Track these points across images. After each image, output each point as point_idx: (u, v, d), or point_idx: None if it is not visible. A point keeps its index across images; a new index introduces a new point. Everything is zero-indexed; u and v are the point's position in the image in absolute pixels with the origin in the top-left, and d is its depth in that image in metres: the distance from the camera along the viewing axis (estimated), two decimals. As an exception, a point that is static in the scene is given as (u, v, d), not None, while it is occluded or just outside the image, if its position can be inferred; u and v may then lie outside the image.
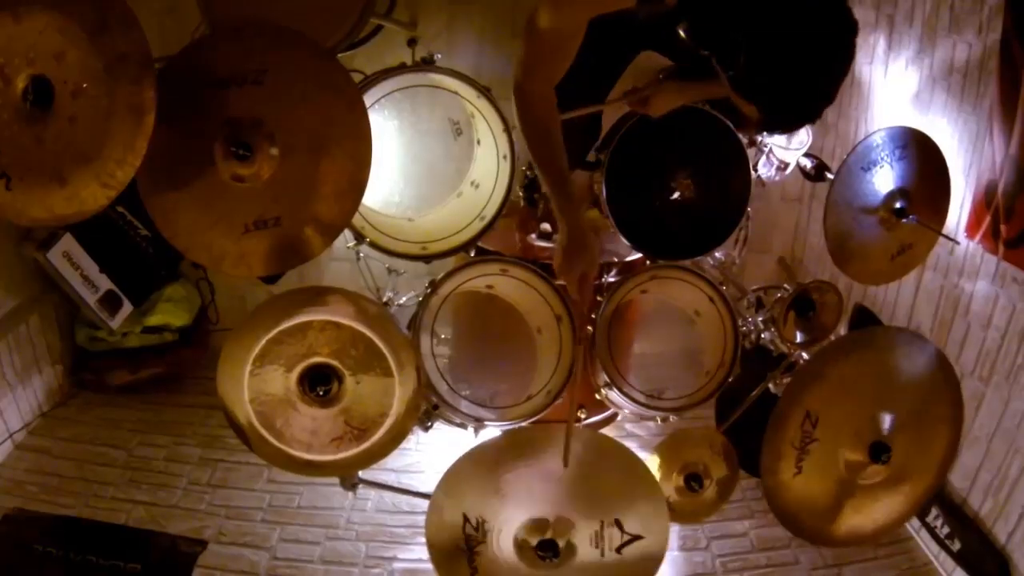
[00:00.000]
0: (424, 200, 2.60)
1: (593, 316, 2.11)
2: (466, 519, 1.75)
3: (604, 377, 2.10)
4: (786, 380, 2.17)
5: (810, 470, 1.83)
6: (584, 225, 1.86)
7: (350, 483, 2.02)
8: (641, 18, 2.04)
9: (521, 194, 2.47)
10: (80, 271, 2.70)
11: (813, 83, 1.50)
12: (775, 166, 2.35)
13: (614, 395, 2.14)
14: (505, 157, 2.16)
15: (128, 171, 1.49)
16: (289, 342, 1.70)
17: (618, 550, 1.81)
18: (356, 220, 2.07)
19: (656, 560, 1.83)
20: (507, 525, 1.77)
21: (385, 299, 2.46)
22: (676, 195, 2.06)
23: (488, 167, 2.26)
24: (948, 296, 2.44)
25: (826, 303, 2.21)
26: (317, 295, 1.76)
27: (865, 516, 1.90)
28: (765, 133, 1.73)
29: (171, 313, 3.04)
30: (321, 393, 1.71)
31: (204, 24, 2.10)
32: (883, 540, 2.46)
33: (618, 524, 1.80)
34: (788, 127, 1.75)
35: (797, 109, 1.55)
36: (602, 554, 1.80)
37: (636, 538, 1.81)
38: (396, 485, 2.51)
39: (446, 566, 1.77)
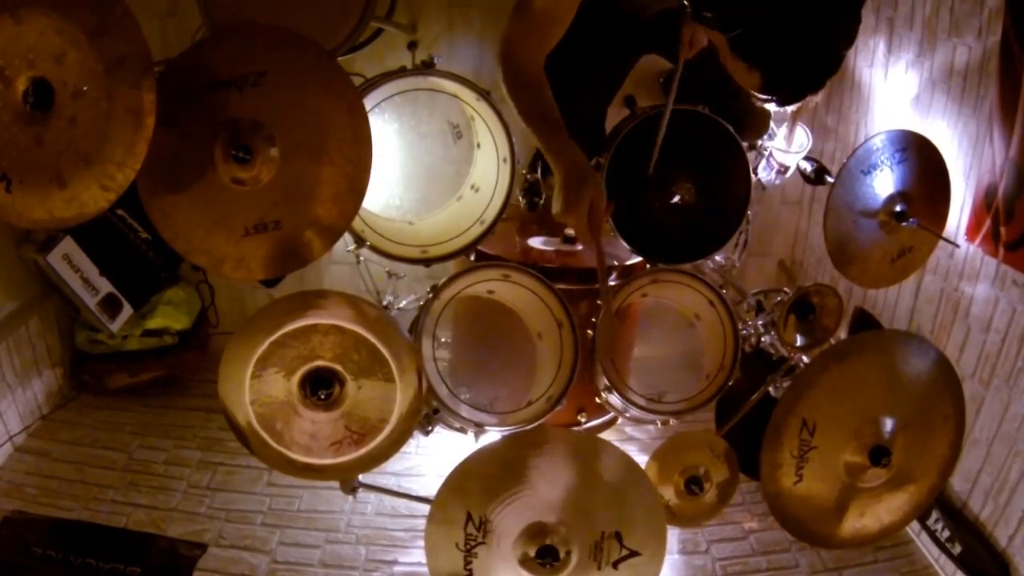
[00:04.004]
0: (424, 203, 2.61)
1: (593, 320, 2.11)
2: (469, 517, 1.75)
3: (604, 381, 2.10)
4: (786, 383, 2.17)
5: (811, 477, 1.83)
6: (584, 161, 1.82)
7: (350, 487, 2.02)
8: (638, 14, 2.04)
9: (521, 198, 2.47)
10: (80, 274, 2.70)
11: (817, 40, 1.47)
12: (775, 169, 2.36)
13: (614, 399, 2.13)
14: (505, 160, 2.16)
15: (128, 174, 1.49)
16: (292, 345, 1.70)
17: (615, 565, 1.81)
18: (356, 223, 2.07)
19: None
20: (509, 527, 1.77)
21: (385, 303, 2.46)
22: (676, 199, 2.06)
23: (488, 171, 2.26)
24: (948, 299, 2.44)
25: (826, 306, 2.21)
26: (321, 299, 1.76)
27: (869, 518, 1.90)
28: (771, 103, 1.67)
29: (171, 316, 3.04)
30: (322, 397, 1.71)
31: (204, 26, 2.10)
32: (887, 540, 2.46)
33: (618, 537, 1.80)
34: (791, 89, 1.62)
35: (800, 70, 1.50)
36: (599, 567, 1.80)
37: (633, 554, 1.81)
38: (396, 489, 2.51)
39: (441, 564, 1.77)
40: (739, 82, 1.62)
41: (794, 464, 1.82)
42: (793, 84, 1.55)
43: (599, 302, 2.05)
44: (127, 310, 2.87)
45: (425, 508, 1.80)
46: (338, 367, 1.73)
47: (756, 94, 1.61)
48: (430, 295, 2.07)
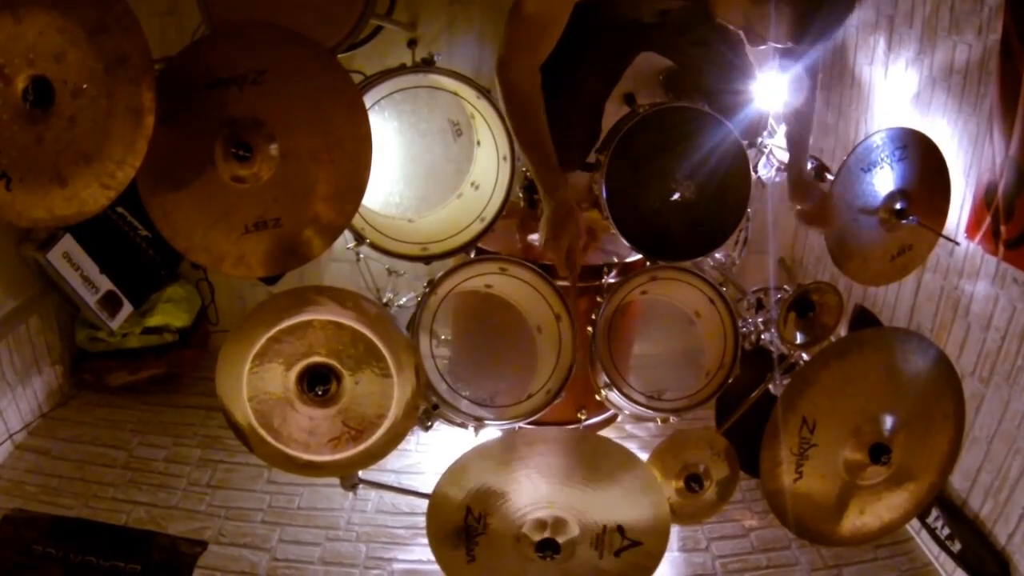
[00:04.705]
0: (424, 201, 2.60)
1: (593, 317, 2.11)
2: (469, 511, 1.75)
3: (604, 378, 2.10)
4: (786, 381, 2.17)
5: (811, 474, 1.84)
6: (570, 201, 1.90)
7: (350, 484, 2.02)
8: (637, 16, 2.05)
9: (521, 195, 2.47)
10: (80, 272, 2.71)
11: None
12: (775, 167, 2.35)
13: (614, 396, 2.13)
14: (505, 158, 2.16)
15: (128, 172, 1.49)
16: (289, 341, 1.70)
17: (617, 553, 1.81)
18: (356, 221, 2.07)
19: (654, 562, 1.84)
20: (509, 520, 1.78)
21: (385, 300, 2.46)
22: (676, 196, 2.06)
23: (488, 168, 2.26)
24: (948, 297, 2.44)
25: (826, 304, 2.21)
26: (318, 294, 1.76)
27: (869, 515, 1.91)
28: (796, 45, 1.70)
29: (171, 314, 3.04)
30: (320, 393, 1.71)
31: (204, 24, 2.10)
32: (887, 538, 2.46)
33: (619, 529, 1.80)
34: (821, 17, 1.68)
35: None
36: (600, 556, 1.80)
37: (635, 543, 1.81)
38: (396, 485, 2.51)
39: (445, 554, 1.78)
40: (771, 36, 1.65)
41: (794, 461, 1.82)
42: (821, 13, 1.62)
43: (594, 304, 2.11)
44: (127, 308, 2.88)
45: (425, 504, 1.81)
46: (335, 363, 1.73)
47: (786, 47, 1.64)
48: (427, 290, 2.07)
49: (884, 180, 2.04)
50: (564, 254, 1.90)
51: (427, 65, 2.07)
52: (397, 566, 2.36)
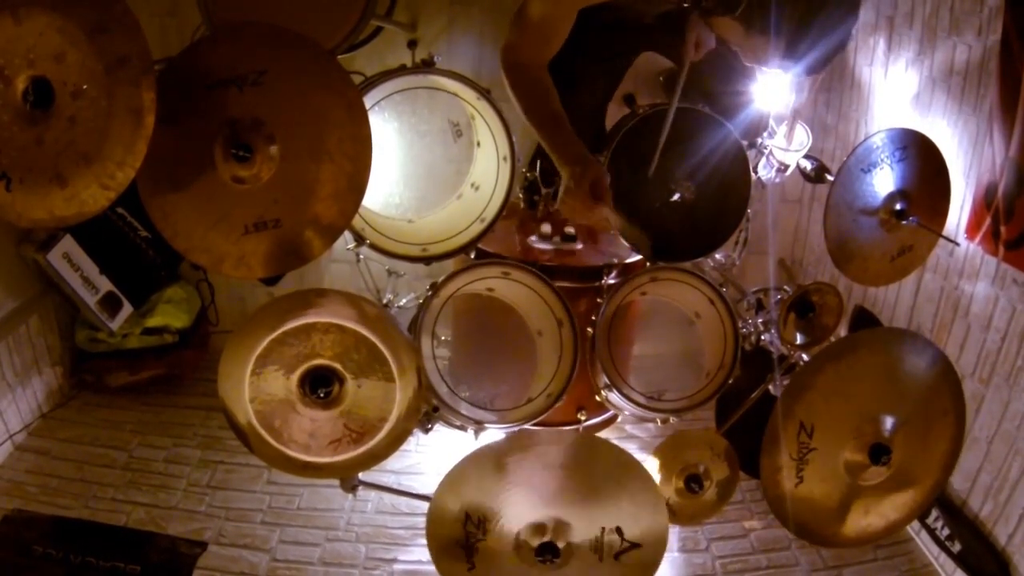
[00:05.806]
0: (424, 202, 2.60)
1: (593, 318, 2.11)
2: (468, 517, 1.75)
3: (604, 379, 2.10)
4: (786, 382, 2.17)
5: (812, 478, 1.84)
6: (585, 153, 1.84)
7: (350, 485, 2.02)
8: (639, 17, 2.05)
9: (521, 196, 2.47)
10: (80, 272, 2.70)
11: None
12: (775, 168, 2.35)
13: (614, 397, 2.14)
14: (505, 159, 2.16)
15: (128, 172, 1.49)
16: (292, 343, 1.70)
17: (616, 556, 1.81)
18: (356, 222, 2.07)
19: (654, 563, 1.84)
20: (508, 525, 1.77)
21: (385, 301, 2.46)
22: (676, 196, 2.06)
23: (488, 169, 2.26)
24: (948, 298, 2.44)
25: (826, 304, 2.21)
26: (321, 297, 1.76)
27: (874, 516, 1.91)
28: (786, 69, 1.67)
29: (171, 314, 3.04)
30: (322, 395, 1.71)
31: (204, 25, 2.10)
32: (887, 539, 2.46)
33: (618, 531, 1.80)
34: (811, 47, 1.63)
35: (816, 24, 1.53)
36: (600, 559, 1.80)
37: (634, 546, 1.81)
38: (396, 487, 2.51)
39: (445, 561, 1.78)
40: (762, 62, 1.63)
41: (794, 466, 1.82)
42: (813, 41, 1.56)
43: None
44: (127, 308, 2.88)
45: (425, 506, 1.81)
46: (338, 366, 1.73)
47: (783, 69, 1.62)
48: (429, 293, 2.07)
49: (884, 181, 2.04)
50: (587, 198, 1.77)
51: (427, 66, 2.07)
52: (397, 567, 2.36)
